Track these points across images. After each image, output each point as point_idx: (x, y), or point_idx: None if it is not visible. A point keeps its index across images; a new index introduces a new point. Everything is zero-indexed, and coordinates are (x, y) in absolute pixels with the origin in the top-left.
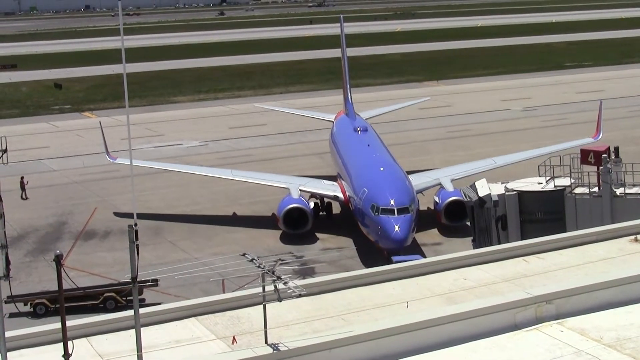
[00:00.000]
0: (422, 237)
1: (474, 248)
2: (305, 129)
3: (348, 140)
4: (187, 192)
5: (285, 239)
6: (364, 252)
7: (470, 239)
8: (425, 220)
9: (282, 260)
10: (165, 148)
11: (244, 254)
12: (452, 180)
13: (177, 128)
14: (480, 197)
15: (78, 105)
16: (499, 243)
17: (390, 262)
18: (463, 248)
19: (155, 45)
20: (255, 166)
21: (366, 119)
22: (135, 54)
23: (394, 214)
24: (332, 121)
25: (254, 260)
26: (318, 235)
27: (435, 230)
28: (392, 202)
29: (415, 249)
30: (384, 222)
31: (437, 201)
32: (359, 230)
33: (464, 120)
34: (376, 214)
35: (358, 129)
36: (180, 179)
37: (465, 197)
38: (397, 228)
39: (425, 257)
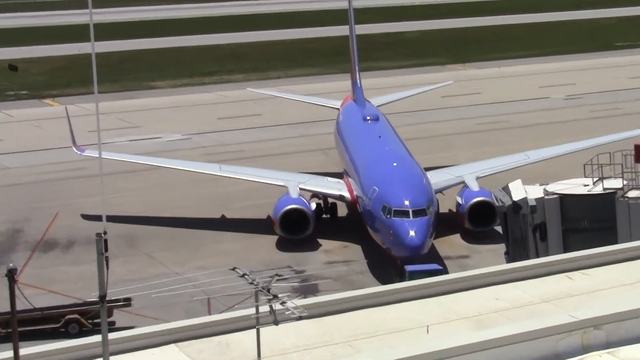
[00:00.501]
0: (445, 248)
1: (507, 262)
2: (307, 120)
3: (356, 130)
4: (167, 193)
5: (283, 245)
6: (376, 264)
7: (502, 249)
8: (446, 224)
9: (279, 276)
10: (142, 142)
11: (234, 268)
12: (478, 178)
13: (155, 119)
14: (514, 202)
15: (37, 91)
16: (537, 256)
17: (403, 273)
18: (494, 262)
19: (130, 21)
20: (248, 163)
21: (378, 106)
22: (106, 31)
23: (409, 217)
24: (338, 109)
25: (246, 276)
26: (321, 241)
27: (458, 238)
28: (406, 202)
29: (434, 259)
30: (397, 226)
31: (460, 202)
32: (369, 235)
33: (494, 111)
34: (388, 216)
35: (368, 118)
36: (160, 179)
37: (497, 201)
38: (412, 233)
39: (445, 268)
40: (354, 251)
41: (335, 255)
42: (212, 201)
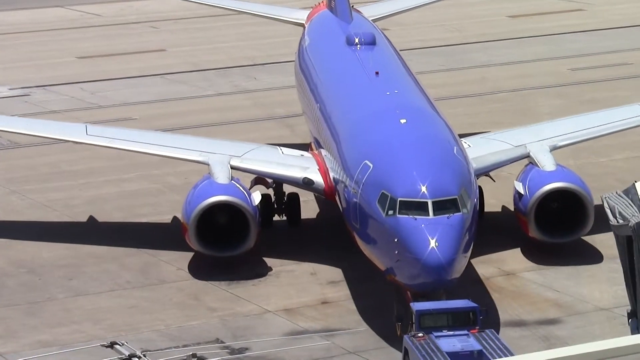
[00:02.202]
0: (499, 284)
1: (633, 332)
2: (251, 62)
3: (335, 63)
4: None
5: (202, 272)
6: (384, 327)
7: (624, 306)
8: (496, 232)
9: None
10: None
11: (111, 344)
12: (554, 150)
13: None
14: None
15: None
16: None
17: (408, 313)
18: (606, 333)
19: None
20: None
21: (374, 19)
22: None
23: (427, 214)
24: (302, 25)
25: (135, 359)
26: (270, 262)
27: (521, 259)
28: (422, 189)
29: (474, 295)
30: (405, 231)
31: (522, 192)
32: (358, 249)
33: (608, 44)
34: (390, 213)
35: (357, 41)
36: None
37: (614, 214)
38: (433, 243)
39: (486, 309)
40: (340, 305)
41: (304, 317)
42: (70, 194)
